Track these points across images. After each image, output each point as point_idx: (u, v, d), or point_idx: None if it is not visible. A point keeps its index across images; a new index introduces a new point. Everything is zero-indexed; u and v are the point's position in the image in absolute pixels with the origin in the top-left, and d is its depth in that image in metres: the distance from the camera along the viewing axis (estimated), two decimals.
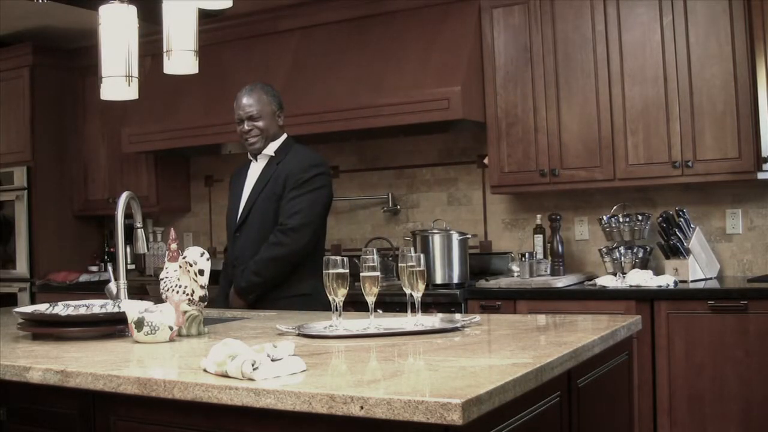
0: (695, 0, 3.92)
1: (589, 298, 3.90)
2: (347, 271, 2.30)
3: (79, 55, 5.83)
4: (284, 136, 3.48)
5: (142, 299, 2.60)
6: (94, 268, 5.86)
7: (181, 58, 2.83)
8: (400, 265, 2.36)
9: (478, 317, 2.57)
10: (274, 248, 3.23)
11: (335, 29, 4.87)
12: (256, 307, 3.20)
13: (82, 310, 2.46)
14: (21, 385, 1.96)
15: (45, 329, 2.41)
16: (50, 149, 5.85)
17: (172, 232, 2.55)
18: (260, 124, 3.38)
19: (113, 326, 2.39)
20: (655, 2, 4.01)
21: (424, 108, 4.28)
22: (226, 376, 1.70)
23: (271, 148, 3.43)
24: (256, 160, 3.46)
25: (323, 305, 2.91)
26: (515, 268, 4.38)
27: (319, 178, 3.35)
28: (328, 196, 3.41)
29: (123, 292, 2.81)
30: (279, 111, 3.46)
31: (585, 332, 2.27)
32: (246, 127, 3.39)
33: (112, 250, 5.85)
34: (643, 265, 4.13)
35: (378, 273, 2.32)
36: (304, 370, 1.75)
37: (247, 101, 3.40)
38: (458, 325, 2.40)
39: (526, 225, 4.70)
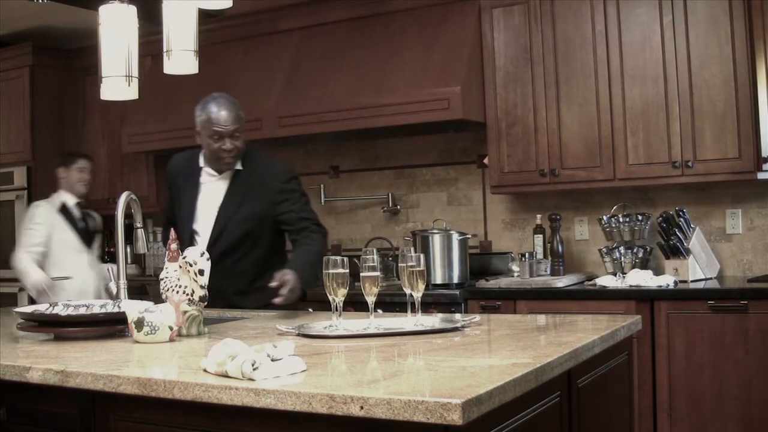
0: (695, 0, 3.93)
1: (589, 298, 3.90)
2: (347, 271, 2.30)
3: (79, 55, 5.83)
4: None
5: (142, 299, 2.60)
6: None
7: (181, 58, 2.83)
8: (400, 265, 2.36)
9: (478, 317, 2.57)
10: (322, 239, 3.19)
11: (335, 29, 4.87)
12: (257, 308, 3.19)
13: (82, 310, 2.46)
14: (21, 385, 1.96)
15: (45, 329, 2.41)
16: (50, 149, 5.85)
17: (172, 232, 2.55)
18: (239, 143, 3.19)
19: (113, 326, 2.40)
20: (655, 2, 4.01)
21: (424, 108, 4.28)
22: (226, 376, 1.70)
23: (238, 164, 3.26)
24: (219, 175, 3.25)
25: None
26: (515, 268, 4.38)
27: (297, 182, 3.31)
28: None
29: (123, 292, 2.81)
30: None
31: (585, 332, 2.27)
32: (228, 145, 3.17)
33: (112, 250, 5.85)
34: (643, 265, 4.13)
35: (378, 273, 2.32)
36: (304, 370, 1.75)
37: (230, 116, 3.17)
38: (458, 325, 2.40)
39: (526, 225, 4.70)
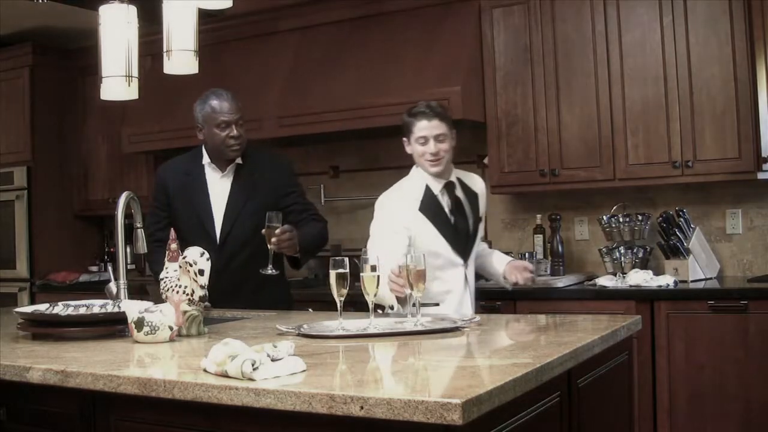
0: (695, 0, 3.93)
1: (589, 298, 3.90)
2: (348, 270, 2.30)
3: (79, 55, 5.82)
4: None
5: (142, 299, 2.60)
6: (94, 268, 5.86)
7: (181, 58, 2.83)
8: (400, 265, 2.36)
9: (478, 317, 2.57)
10: (324, 227, 3.46)
11: (335, 29, 4.87)
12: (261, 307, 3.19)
13: (82, 310, 2.46)
14: (21, 385, 1.96)
15: (45, 329, 2.41)
16: (50, 149, 5.85)
17: (172, 232, 2.55)
18: (243, 131, 3.31)
19: (113, 326, 2.40)
20: (655, 2, 4.01)
21: None
22: (226, 376, 1.70)
23: (238, 159, 3.36)
24: (223, 172, 3.33)
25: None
26: None
27: (297, 177, 3.55)
28: None
29: (123, 292, 2.81)
30: None
31: (585, 332, 2.27)
32: (235, 132, 3.27)
33: (112, 250, 5.85)
34: (643, 265, 4.13)
35: (378, 273, 2.32)
36: (304, 370, 1.75)
37: (232, 106, 3.30)
38: (458, 325, 2.40)
39: (526, 225, 4.70)
